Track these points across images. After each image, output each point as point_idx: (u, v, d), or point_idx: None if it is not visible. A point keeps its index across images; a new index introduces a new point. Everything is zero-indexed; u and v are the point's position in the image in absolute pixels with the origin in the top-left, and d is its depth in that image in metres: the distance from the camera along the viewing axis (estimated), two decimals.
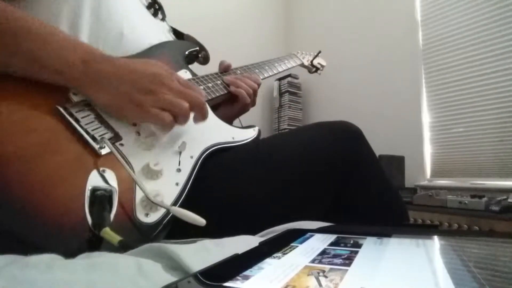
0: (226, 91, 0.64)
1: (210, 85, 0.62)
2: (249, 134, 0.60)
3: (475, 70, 1.56)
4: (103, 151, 0.38)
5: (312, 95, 2.39)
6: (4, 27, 0.36)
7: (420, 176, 1.71)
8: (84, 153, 0.37)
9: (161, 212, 0.39)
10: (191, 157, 0.47)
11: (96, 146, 0.38)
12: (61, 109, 0.38)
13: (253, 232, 0.39)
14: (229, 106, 0.68)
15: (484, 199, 1.18)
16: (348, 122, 0.55)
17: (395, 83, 1.87)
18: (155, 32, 0.60)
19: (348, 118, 0.58)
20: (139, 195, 0.38)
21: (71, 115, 0.38)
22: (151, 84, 0.42)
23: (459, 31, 1.63)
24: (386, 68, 1.92)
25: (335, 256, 0.21)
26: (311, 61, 1.01)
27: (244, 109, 0.69)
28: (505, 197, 1.19)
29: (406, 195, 1.41)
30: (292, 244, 0.25)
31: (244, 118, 0.75)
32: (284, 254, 0.22)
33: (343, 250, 0.23)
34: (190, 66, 0.63)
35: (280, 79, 2.30)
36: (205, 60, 0.71)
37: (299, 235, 0.28)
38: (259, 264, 0.20)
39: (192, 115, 0.46)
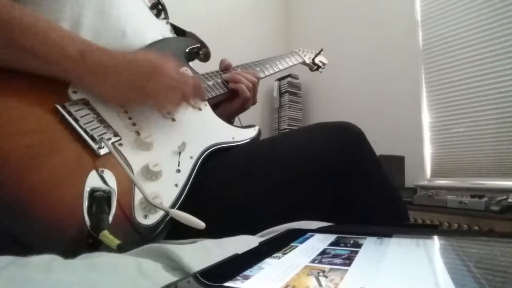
0: (226, 90, 0.64)
1: (210, 83, 0.62)
2: (249, 134, 0.60)
3: (475, 70, 1.56)
4: (102, 151, 0.38)
5: (312, 95, 2.39)
6: None
7: (420, 176, 1.71)
8: (83, 153, 0.37)
9: (160, 214, 0.38)
10: (191, 157, 0.47)
11: (95, 146, 0.37)
12: (60, 108, 0.38)
13: (253, 232, 0.39)
14: (229, 103, 0.68)
15: (484, 199, 1.18)
16: (350, 123, 0.55)
17: (395, 83, 1.87)
18: (157, 32, 0.60)
19: (348, 118, 0.58)
20: (138, 196, 0.38)
21: (70, 114, 0.38)
22: (150, 70, 0.43)
23: (459, 31, 1.63)
24: (386, 68, 1.92)
25: (335, 256, 0.21)
26: (313, 59, 1.01)
27: (245, 105, 0.69)
28: (505, 197, 1.19)
29: (406, 195, 1.41)
30: (292, 244, 0.25)
31: (244, 118, 0.75)
32: (284, 254, 0.22)
33: (343, 250, 0.22)
34: (190, 63, 0.63)
35: (280, 79, 2.30)
36: (206, 57, 0.71)
37: (299, 235, 0.28)
38: (259, 264, 0.19)
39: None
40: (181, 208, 0.40)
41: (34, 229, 0.30)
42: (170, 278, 0.21)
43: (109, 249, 0.30)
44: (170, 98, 0.46)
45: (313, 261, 0.20)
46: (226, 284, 0.16)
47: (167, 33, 0.66)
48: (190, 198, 0.43)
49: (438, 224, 1.20)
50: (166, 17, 0.70)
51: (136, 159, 0.41)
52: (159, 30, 0.62)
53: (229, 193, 0.49)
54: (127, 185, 0.38)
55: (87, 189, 0.34)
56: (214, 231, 0.35)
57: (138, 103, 0.44)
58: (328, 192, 0.51)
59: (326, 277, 0.17)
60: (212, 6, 2.11)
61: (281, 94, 2.30)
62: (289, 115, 2.24)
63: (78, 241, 0.32)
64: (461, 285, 0.15)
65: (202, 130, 0.52)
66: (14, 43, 0.36)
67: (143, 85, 0.42)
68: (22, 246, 0.27)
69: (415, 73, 1.79)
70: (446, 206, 1.23)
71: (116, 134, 0.41)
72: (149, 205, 0.37)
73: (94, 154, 0.37)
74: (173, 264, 0.23)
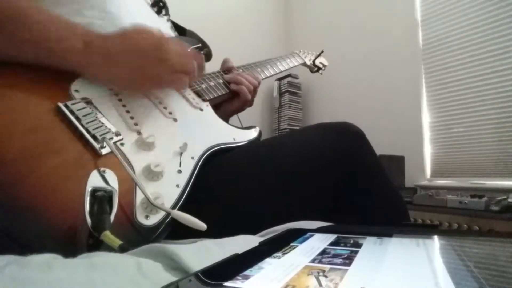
0: (227, 90, 0.64)
1: (212, 83, 0.62)
2: (250, 135, 0.60)
3: (475, 70, 1.56)
4: (104, 151, 0.37)
5: (312, 95, 2.39)
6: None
7: (420, 176, 1.71)
8: (85, 153, 0.36)
9: (161, 214, 0.38)
10: (192, 157, 0.47)
11: (97, 146, 0.37)
12: (62, 107, 0.37)
13: (253, 232, 0.39)
14: (228, 103, 0.68)
15: (484, 199, 1.18)
16: (350, 123, 0.55)
17: (395, 83, 1.87)
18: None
19: (348, 118, 0.58)
20: (139, 196, 0.38)
21: (72, 112, 0.38)
22: (158, 53, 0.43)
23: (459, 31, 1.63)
24: (386, 68, 1.92)
25: (335, 256, 0.21)
26: (313, 61, 1.01)
27: (243, 107, 0.69)
28: (505, 197, 1.19)
29: (406, 195, 1.41)
30: (292, 244, 0.25)
31: (244, 118, 0.75)
32: (284, 254, 0.22)
33: (343, 250, 0.23)
34: None
35: (280, 79, 2.30)
36: (207, 57, 0.71)
37: (299, 235, 0.28)
38: (259, 264, 0.19)
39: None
40: (182, 208, 0.40)
41: (35, 228, 0.30)
42: (170, 278, 0.21)
43: (110, 249, 0.30)
44: (183, 77, 0.46)
45: (313, 261, 0.20)
46: (226, 283, 0.16)
47: (168, 30, 0.66)
48: (191, 198, 0.43)
49: (438, 224, 1.20)
50: (167, 14, 0.70)
51: (138, 159, 0.40)
52: (160, 27, 0.62)
53: (229, 193, 0.49)
54: (129, 185, 0.37)
55: (88, 188, 0.34)
56: (215, 231, 0.35)
57: (153, 89, 0.45)
58: (328, 192, 0.51)
59: (326, 277, 0.17)
60: (212, 6, 2.11)
61: (281, 94, 2.30)
62: (289, 115, 2.24)
63: (79, 242, 0.32)
64: (461, 285, 0.16)
65: (204, 130, 0.52)
66: (18, 36, 0.36)
67: (159, 73, 0.43)
68: (23, 246, 0.27)
69: (415, 73, 1.79)
70: (446, 206, 1.24)
71: (118, 134, 0.41)
72: (151, 206, 0.37)
73: (96, 154, 0.37)
74: (173, 264, 0.23)
